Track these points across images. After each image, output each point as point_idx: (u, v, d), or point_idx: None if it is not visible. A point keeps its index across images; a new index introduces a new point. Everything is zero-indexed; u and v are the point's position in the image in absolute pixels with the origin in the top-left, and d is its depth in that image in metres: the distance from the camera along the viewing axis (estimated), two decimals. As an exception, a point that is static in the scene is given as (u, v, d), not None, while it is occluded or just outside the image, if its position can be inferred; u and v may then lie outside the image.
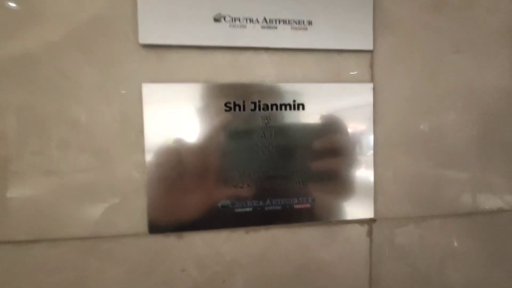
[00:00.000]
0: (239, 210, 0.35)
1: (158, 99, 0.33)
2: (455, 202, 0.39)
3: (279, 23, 0.34)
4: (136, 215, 0.34)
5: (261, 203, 0.35)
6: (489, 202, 0.40)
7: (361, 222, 0.37)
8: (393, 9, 0.36)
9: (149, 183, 0.33)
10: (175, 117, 0.33)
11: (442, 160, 0.38)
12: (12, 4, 0.31)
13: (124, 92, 0.33)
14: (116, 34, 0.32)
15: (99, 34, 0.32)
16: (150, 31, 0.32)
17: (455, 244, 0.39)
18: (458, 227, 0.39)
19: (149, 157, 0.33)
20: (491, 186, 0.40)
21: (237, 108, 0.34)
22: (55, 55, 0.31)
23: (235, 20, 0.33)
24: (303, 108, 0.35)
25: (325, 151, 0.36)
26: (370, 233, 0.38)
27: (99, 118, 0.32)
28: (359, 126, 0.36)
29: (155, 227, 0.34)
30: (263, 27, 0.33)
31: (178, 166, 0.33)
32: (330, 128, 0.36)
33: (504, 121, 0.39)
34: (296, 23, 0.34)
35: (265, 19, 0.33)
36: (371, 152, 0.36)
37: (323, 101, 0.35)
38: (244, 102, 0.34)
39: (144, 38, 0.32)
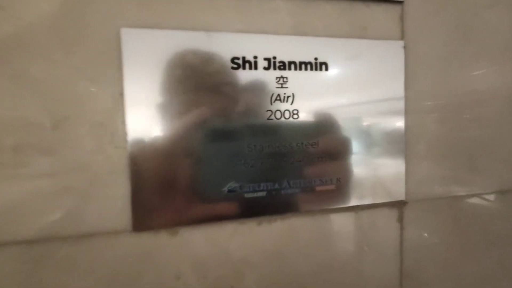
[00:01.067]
0: (250, 195, 0.27)
1: (143, 51, 0.24)
2: (493, 178, 0.34)
3: (297, -40, 0.27)
4: (115, 206, 0.25)
5: (276, 185, 0.28)
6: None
7: (390, 205, 0.32)
8: None
9: (132, 162, 0.24)
10: (164, 75, 0.25)
11: (480, 133, 0.33)
12: None
13: (97, 36, 0.24)
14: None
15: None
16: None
17: (492, 226, 0.35)
18: (498, 205, 0.35)
19: (132, 127, 0.24)
20: None
21: (247, 65, 0.26)
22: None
23: (243, -48, 0.26)
24: (326, 69, 0.28)
25: (351, 121, 0.30)
26: (400, 219, 0.32)
27: (59, 72, 0.23)
28: (388, 91, 0.30)
29: (142, 223, 0.25)
30: (277, -36, 0.27)
31: (171, 139, 0.25)
32: (356, 93, 0.30)
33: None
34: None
35: (280, -47, 0.27)
36: (402, 122, 0.31)
37: (349, 61, 0.29)
38: (256, 58, 0.27)
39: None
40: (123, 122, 0.24)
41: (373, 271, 0.32)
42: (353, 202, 0.30)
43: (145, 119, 0.25)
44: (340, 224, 0.31)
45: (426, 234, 0.33)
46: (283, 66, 0.27)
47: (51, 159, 0.23)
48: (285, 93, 0.27)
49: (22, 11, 0.23)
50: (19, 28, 0.22)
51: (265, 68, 0.27)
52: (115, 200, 0.25)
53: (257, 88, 0.27)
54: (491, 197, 0.35)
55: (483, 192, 0.34)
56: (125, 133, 0.24)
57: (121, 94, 0.24)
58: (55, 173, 0.24)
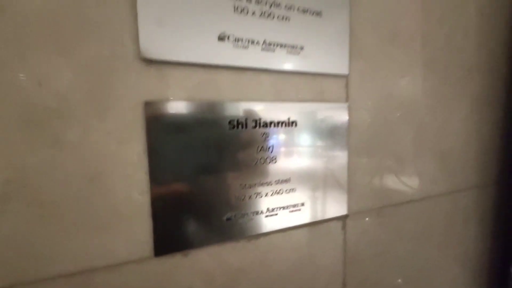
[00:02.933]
0: (241, 221, 0.37)
1: (160, 117, 0.31)
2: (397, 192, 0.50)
3: (277, 46, 0.36)
4: (139, 238, 0.32)
5: (260, 212, 0.38)
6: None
7: (337, 218, 0.44)
8: (363, 38, 0.43)
9: (153, 204, 0.32)
10: (178, 136, 0.32)
11: (392, 160, 0.48)
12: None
13: (125, 105, 0.30)
14: (112, 42, 0.29)
15: (90, 39, 0.28)
16: (152, 45, 0.30)
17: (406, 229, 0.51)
18: (405, 213, 0.51)
19: (153, 177, 0.31)
20: (420, 176, 0.53)
21: (240, 126, 0.35)
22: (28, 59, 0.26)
23: (238, 41, 0.34)
24: (296, 125, 0.39)
25: (313, 162, 0.41)
26: (344, 227, 0.45)
27: (94, 137, 0.29)
28: (337, 139, 0.42)
29: (162, 249, 0.33)
30: (263, 49, 0.36)
31: (183, 184, 0.33)
32: (316, 142, 0.41)
33: (434, 129, 0.52)
34: (291, 47, 0.37)
35: (265, 41, 0.36)
36: (346, 160, 0.43)
37: (311, 118, 0.40)
38: (246, 120, 0.36)
39: (146, 52, 0.30)
40: (146, 173, 0.31)
41: (327, 263, 0.44)
42: (313, 218, 0.42)
43: (163, 170, 0.32)
44: (306, 234, 0.42)
45: (361, 236, 0.47)
46: (265, 125, 0.37)
47: (88, 206, 0.29)
48: (267, 145, 0.37)
49: (59, 86, 0.28)
50: (58, 101, 0.28)
51: (253, 127, 0.36)
52: (140, 234, 0.32)
53: (247, 141, 0.36)
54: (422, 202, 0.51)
55: (412, 199, 0.50)
56: (148, 181, 0.31)
57: (144, 152, 0.31)
58: (91, 216, 0.30)
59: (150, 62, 0.31)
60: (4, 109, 0.26)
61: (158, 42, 0.30)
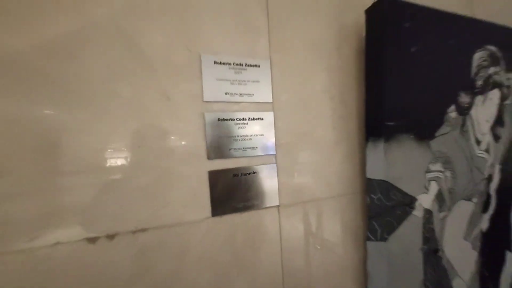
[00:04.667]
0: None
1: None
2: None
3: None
4: (201, 202, 0.48)
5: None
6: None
7: (274, 207, 0.62)
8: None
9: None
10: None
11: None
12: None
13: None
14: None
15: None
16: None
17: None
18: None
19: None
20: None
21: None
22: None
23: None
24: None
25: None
26: (278, 212, 0.63)
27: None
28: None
29: (216, 212, 0.50)
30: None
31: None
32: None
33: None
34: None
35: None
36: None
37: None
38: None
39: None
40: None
41: (267, 239, 0.61)
42: (259, 207, 0.58)
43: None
44: (258, 217, 0.58)
45: (291, 221, 0.65)
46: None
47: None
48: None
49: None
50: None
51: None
52: (202, 198, 0.43)
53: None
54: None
55: (330, 196, 0.70)
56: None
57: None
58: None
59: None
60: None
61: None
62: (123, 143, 0.45)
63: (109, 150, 0.44)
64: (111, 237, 0.43)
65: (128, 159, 0.45)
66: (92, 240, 0.42)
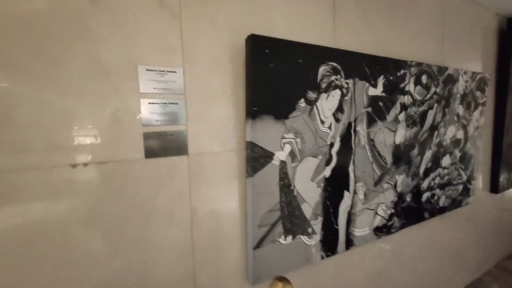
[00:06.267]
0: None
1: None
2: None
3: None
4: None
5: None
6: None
7: (185, 155, 1.05)
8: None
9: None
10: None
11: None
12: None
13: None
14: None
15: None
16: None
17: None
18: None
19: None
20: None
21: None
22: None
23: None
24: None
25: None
26: (188, 163, 1.06)
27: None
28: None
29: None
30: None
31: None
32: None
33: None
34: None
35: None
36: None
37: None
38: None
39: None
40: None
41: (177, 178, 1.04)
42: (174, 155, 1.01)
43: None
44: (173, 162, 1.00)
45: (197, 167, 1.08)
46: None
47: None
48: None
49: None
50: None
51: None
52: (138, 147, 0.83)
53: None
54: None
55: (224, 150, 1.15)
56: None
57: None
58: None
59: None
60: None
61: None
62: (91, 116, 0.84)
63: (76, 131, 0.82)
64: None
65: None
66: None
